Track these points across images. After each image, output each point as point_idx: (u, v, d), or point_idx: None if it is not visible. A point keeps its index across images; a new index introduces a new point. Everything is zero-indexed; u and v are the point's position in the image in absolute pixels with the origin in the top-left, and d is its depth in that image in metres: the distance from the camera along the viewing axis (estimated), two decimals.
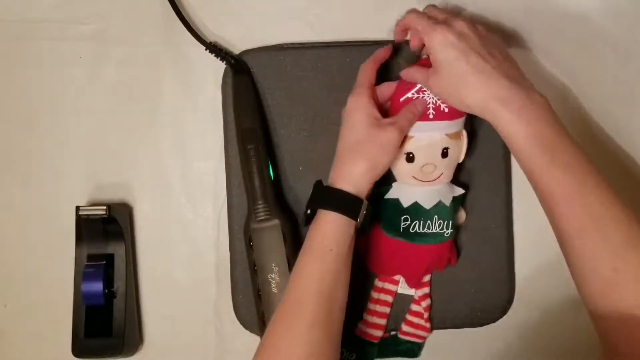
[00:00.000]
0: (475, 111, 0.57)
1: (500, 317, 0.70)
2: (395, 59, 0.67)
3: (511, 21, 0.69)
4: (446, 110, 0.61)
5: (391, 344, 0.69)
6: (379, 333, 0.69)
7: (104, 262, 0.67)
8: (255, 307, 0.65)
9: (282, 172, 0.69)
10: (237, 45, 0.69)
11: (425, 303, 0.69)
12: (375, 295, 0.69)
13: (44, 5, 0.69)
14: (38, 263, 0.70)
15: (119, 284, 0.68)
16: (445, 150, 0.62)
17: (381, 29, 0.69)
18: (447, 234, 0.64)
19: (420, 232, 0.64)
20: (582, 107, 0.70)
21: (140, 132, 0.70)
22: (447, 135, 0.62)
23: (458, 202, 0.66)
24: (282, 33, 0.69)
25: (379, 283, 0.69)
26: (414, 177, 0.63)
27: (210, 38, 0.69)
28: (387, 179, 0.63)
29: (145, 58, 0.69)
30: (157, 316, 0.70)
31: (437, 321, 0.69)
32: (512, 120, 0.54)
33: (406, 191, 0.64)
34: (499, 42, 0.60)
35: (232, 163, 0.68)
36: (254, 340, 0.67)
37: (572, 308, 0.70)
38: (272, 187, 0.65)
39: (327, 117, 0.67)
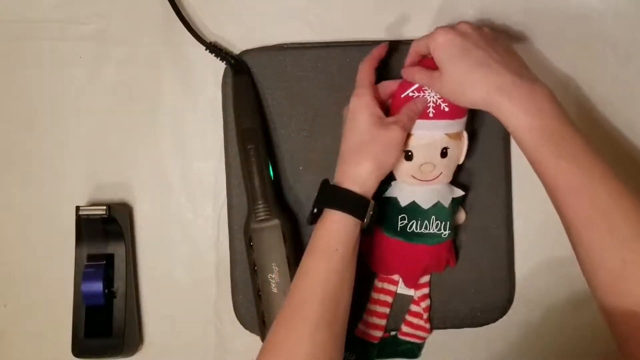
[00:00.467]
0: (480, 105, 0.57)
1: (500, 317, 0.70)
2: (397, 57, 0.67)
3: (511, 21, 0.69)
4: (447, 109, 0.61)
5: (391, 344, 0.69)
6: (378, 333, 0.69)
7: (104, 262, 0.67)
8: (255, 307, 0.65)
9: (282, 172, 0.69)
10: (237, 45, 0.69)
11: (425, 303, 0.69)
12: (374, 295, 0.69)
13: (44, 5, 0.69)
14: (38, 263, 0.70)
15: (119, 284, 0.68)
16: (444, 150, 0.62)
17: (381, 29, 0.69)
18: (444, 235, 0.64)
19: (418, 232, 0.64)
20: (582, 107, 0.70)
21: (140, 132, 0.70)
22: (447, 134, 0.62)
23: (457, 203, 0.66)
24: (282, 33, 0.69)
25: (378, 283, 0.69)
26: (412, 176, 0.63)
27: (210, 38, 0.69)
28: (386, 178, 0.63)
29: (145, 58, 0.69)
30: (157, 316, 0.70)
31: (437, 321, 0.69)
32: (516, 113, 0.54)
33: (404, 190, 0.64)
34: (503, 40, 0.60)
35: (232, 163, 0.68)
36: (254, 340, 0.67)
37: (572, 308, 0.70)
38: (272, 187, 0.65)
39: (327, 117, 0.67)
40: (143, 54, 0.69)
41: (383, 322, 0.69)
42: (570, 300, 0.69)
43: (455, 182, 0.66)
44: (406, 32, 0.69)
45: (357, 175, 0.58)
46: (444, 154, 0.62)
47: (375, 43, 0.66)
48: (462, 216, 0.68)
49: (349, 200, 0.58)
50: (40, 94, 0.70)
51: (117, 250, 0.68)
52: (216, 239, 0.70)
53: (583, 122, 0.69)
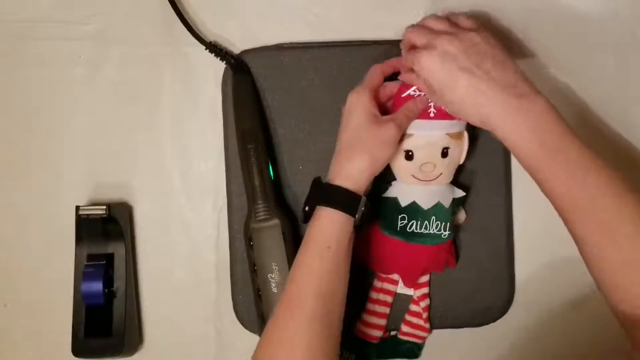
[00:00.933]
0: (477, 125, 0.58)
1: (500, 317, 0.70)
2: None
3: (510, 21, 0.69)
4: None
5: (391, 344, 0.69)
6: (378, 333, 0.69)
7: (104, 262, 0.67)
8: (255, 307, 0.65)
9: (282, 172, 0.69)
10: (237, 45, 0.69)
11: (424, 303, 0.69)
12: (374, 295, 0.69)
13: (44, 5, 0.69)
14: (38, 263, 0.70)
15: (119, 284, 0.68)
16: (445, 150, 0.62)
17: (381, 29, 0.69)
18: (444, 235, 0.64)
19: (417, 232, 0.64)
20: (582, 108, 0.70)
21: (140, 132, 0.70)
22: (447, 134, 0.62)
23: (458, 204, 0.66)
24: (282, 33, 0.69)
25: (378, 283, 0.69)
26: (413, 175, 0.63)
27: (210, 38, 0.69)
28: (387, 177, 0.63)
29: (145, 58, 0.69)
30: (157, 316, 0.70)
31: (437, 321, 0.69)
32: (511, 131, 0.55)
33: (405, 190, 0.64)
34: (491, 46, 0.57)
35: (232, 163, 0.68)
36: (254, 340, 0.67)
37: (572, 308, 0.70)
38: (272, 187, 0.65)
39: (327, 117, 0.67)
40: (143, 54, 0.69)
41: (383, 322, 0.69)
42: (570, 300, 0.69)
43: (455, 182, 0.66)
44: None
45: (350, 171, 0.58)
46: (444, 153, 0.62)
47: (375, 43, 0.67)
48: (462, 216, 0.68)
49: (340, 197, 0.58)
50: (40, 94, 0.70)
51: (117, 250, 0.68)
52: (216, 238, 0.70)
53: (582, 123, 0.70)
